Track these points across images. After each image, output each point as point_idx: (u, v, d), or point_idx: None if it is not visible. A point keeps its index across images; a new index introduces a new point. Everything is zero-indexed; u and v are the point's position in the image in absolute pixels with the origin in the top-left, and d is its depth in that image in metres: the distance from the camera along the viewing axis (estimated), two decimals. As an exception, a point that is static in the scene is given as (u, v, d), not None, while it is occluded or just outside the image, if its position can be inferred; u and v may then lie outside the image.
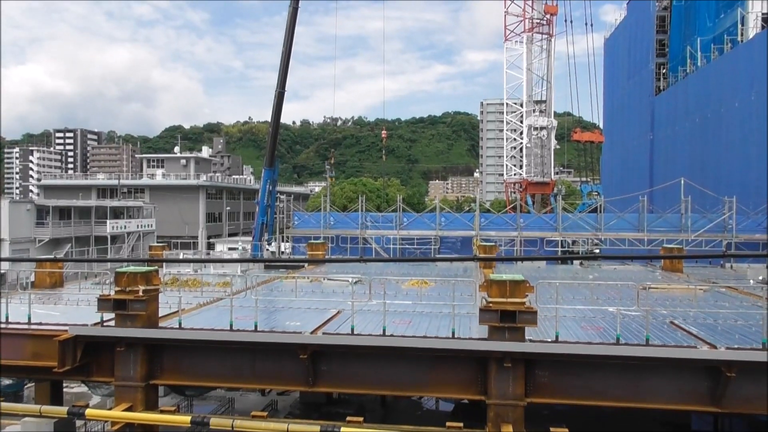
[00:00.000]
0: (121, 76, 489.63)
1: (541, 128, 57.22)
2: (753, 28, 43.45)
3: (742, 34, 44.48)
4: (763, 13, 43.81)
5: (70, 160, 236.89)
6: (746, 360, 12.34)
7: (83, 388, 26.01)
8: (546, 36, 57.00)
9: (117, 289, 14.50)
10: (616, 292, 21.02)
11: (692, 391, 12.85)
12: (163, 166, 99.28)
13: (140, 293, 14.38)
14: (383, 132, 60.81)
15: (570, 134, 60.33)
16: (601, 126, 69.30)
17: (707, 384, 12.76)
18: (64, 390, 22.12)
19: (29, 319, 15.68)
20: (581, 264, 33.12)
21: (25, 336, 14.92)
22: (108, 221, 60.91)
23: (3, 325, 15.30)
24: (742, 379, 12.45)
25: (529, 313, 13.04)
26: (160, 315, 15.41)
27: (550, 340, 13.44)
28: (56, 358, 14.13)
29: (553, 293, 17.49)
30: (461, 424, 13.32)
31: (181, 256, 33.58)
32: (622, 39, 67.90)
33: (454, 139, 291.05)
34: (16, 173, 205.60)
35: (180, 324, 14.95)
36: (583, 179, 64.71)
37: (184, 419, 13.64)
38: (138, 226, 65.03)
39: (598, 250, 39.71)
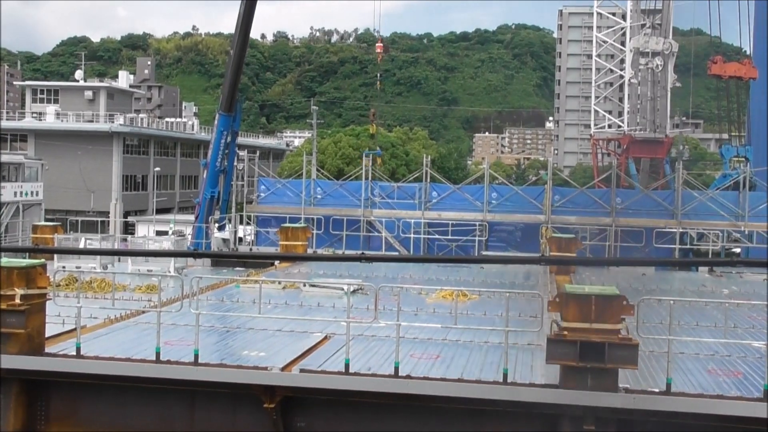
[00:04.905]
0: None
1: (654, 54, 56.73)
2: None
3: None
4: None
5: None
6: None
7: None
8: None
9: (-19, 292, 14.57)
10: (764, 316, 20.88)
11: None
12: (57, 101, 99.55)
13: (17, 300, 14.48)
14: (378, 45, 58.87)
15: (703, 65, 59.67)
16: (752, 53, 68.41)
17: None
18: None
19: None
20: (711, 271, 32.93)
21: None
22: (-30, 185, 61.30)
23: None
24: None
25: (626, 348, 13.04)
26: (47, 335, 15.53)
27: (657, 390, 13.45)
28: None
29: (664, 316, 17.43)
30: None
31: (82, 244, 33.82)
32: None
33: (515, 69, 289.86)
34: None
35: (78, 349, 15.02)
36: (723, 137, 64.09)
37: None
38: (16, 193, 65.41)
39: (738, 250, 39.50)
